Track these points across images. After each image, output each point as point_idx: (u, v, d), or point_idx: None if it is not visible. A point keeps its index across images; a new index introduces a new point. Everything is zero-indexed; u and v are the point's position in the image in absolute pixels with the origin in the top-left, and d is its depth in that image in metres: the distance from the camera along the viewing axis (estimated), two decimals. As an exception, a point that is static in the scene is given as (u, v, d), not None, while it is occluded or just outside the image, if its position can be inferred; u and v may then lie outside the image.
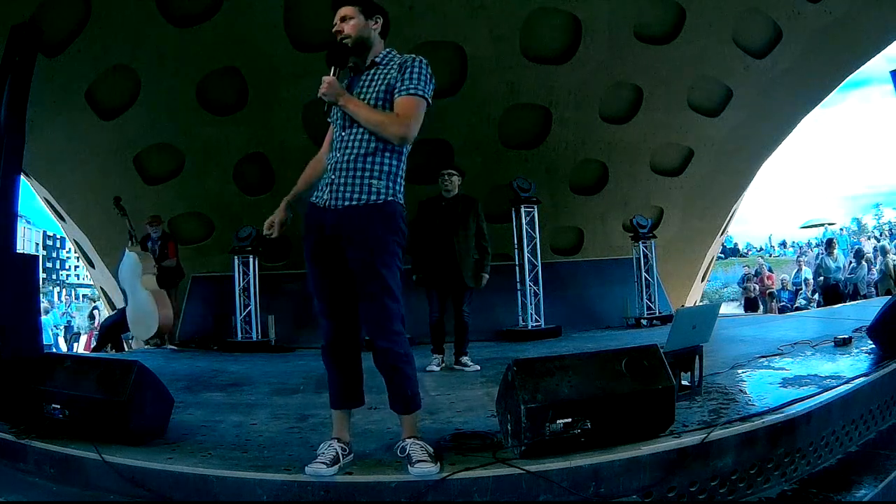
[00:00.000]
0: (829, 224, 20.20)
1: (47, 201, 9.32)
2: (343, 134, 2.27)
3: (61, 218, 9.58)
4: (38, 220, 58.26)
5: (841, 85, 9.59)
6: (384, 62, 2.31)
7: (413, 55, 2.31)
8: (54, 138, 7.48)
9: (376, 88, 2.26)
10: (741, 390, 3.19)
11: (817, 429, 2.58)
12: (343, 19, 2.29)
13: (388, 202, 2.23)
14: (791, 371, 3.51)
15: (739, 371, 3.71)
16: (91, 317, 14.41)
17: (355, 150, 2.23)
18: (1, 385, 2.94)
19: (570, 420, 2.19)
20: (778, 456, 2.39)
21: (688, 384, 2.96)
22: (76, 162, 8.11)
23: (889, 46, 8.48)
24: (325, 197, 2.25)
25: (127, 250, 6.87)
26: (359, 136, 2.24)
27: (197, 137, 8.19)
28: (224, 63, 7.59)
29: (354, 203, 2.20)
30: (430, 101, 2.27)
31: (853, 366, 3.45)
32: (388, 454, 2.37)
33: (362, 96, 2.27)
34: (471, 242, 4.95)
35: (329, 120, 2.40)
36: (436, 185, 5.16)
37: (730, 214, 11.47)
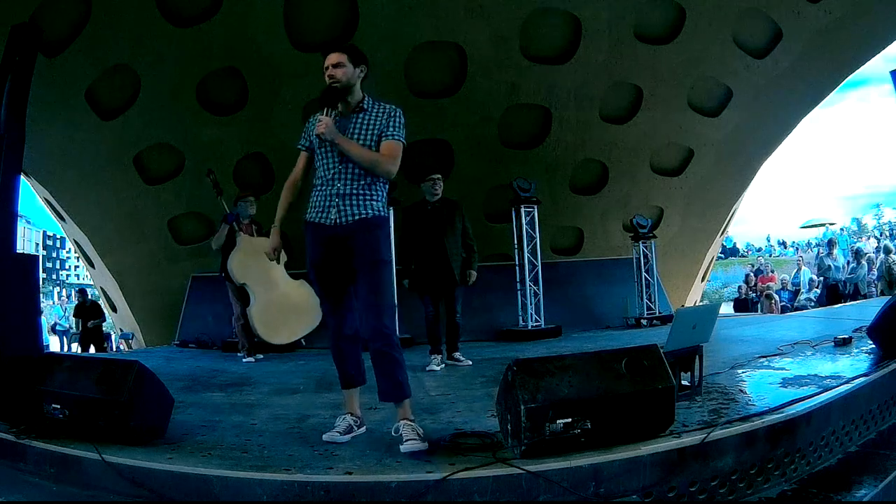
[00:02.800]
0: (830, 224, 20.22)
1: (47, 201, 9.33)
2: (340, 167, 2.64)
3: (61, 218, 9.58)
4: (38, 220, 58.37)
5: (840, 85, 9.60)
6: (370, 109, 2.70)
7: (392, 105, 2.73)
8: (54, 138, 7.48)
9: (371, 133, 2.66)
10: (741, 390, 3.19)
11: (817, 429, 2.58)
12: (336, 65, 2.64)
13: (384, 217, 2.72)
14: (791, 371, 3.51)
15: (739, 371, 3.71)
16: None
17: (356, 181, 2.64)
18: (1, 385, 2.94)
19: (570, 420, 2.19)
20: (778, 456, 2.39)
21: (688, 384, 2.96)
22: (76, 162, 8.11)
23: (888, 46, 8.50)
24: (332, 217, 2.64)
25: (243, 236, 5.78)
26: (358, 171, 2.64)
27: (197, 137, 8.19)
28: (224, 63, 7.58)
29: (360, 217, 2.63)
30: (405, 143, 2.71)
31: (853, 366, 3.45)
32: (388, 454, 2.38)
33: (359, 138, 2.65)
34: (458, 242, 5.08)
35: (302, 148, 2.80)
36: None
37: (730, 214, 11.47)
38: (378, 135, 2.66)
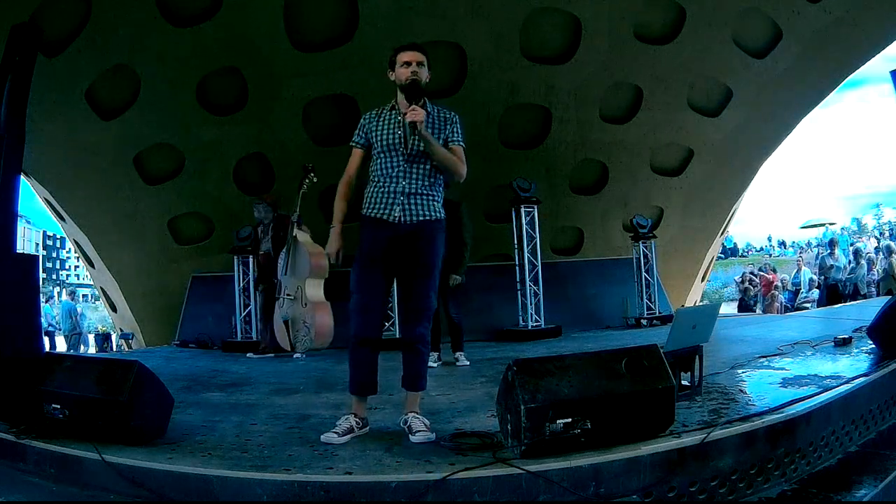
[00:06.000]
0: (830, 224, 20.22)
1: (47, 201, 9.32)
2: (406, 165, 2.71)
3: (61, 218, 9.57)
4: (38, 220, 58.26)
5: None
6: (433, 112, 2.78)
7: (449, 109, 2.83)
8: (54, 138, 7.48)
9: (438, 136, 2.74)
10: (741, 390, 3.18)
11: (817, 429, 2.58)
12: (420, 64, 2.72)
13: (443, 220, 2.79)
14: (791, 371, 3.50)
15: (739, 371, 3.71)
16: None
17: (422, 180, 2.72)
18: (1, 385, 2.93)
19: (570, 420, 2.19)
20: (778, 456, 2.38)
21: (688, 384, 2.95)
22: (76, 162, 8.11)
23: (888, 46, 8.49)
24: (396, 214, 2.69)
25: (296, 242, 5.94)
26: (423, 171, 2.72)
27: (197, 137, 8.19)
28: (224, 63, 7.59)
29: (425, 219, 2.71)
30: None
31: (853, 366, 3.44)
32: (388, 454, 2.37)
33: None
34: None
35: (356, 145, 2.79)
36: None
37: (730, 214, 11.47)
38: (444, 139, 2.76)
